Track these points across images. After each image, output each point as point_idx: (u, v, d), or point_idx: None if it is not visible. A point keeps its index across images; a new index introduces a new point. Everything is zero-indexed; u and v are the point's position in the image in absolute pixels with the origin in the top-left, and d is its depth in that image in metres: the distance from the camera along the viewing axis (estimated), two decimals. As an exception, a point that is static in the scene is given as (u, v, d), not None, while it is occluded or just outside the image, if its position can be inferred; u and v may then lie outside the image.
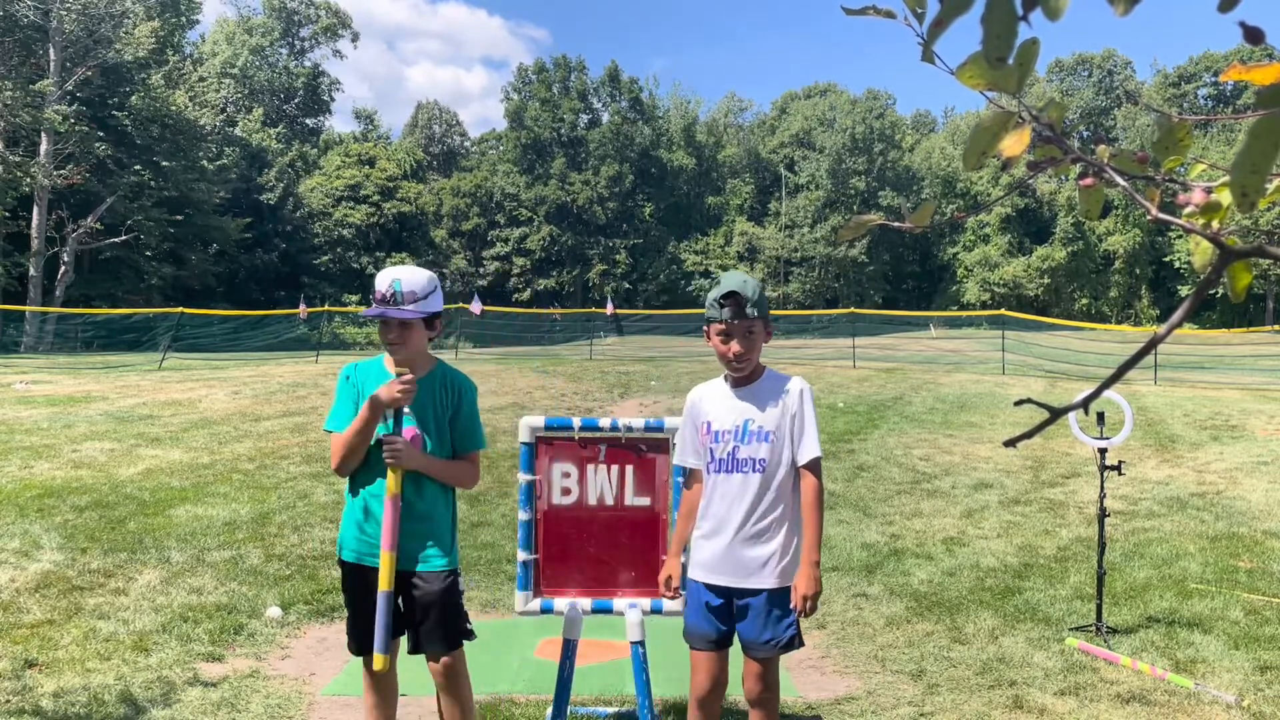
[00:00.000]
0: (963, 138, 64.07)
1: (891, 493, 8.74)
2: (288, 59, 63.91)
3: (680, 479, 3.51)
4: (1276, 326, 44.31)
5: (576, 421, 3.85)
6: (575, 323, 40.12)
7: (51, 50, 37.15)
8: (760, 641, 3.06)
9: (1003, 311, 29.26)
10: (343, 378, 3.32)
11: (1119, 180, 0.93)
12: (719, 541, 3.09)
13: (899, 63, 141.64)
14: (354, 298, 50.96)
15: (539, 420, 3.83)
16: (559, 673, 3.66)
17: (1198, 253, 0.92)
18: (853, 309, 30.03)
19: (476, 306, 29.15)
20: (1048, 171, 0.95)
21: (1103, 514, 5.08)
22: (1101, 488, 5.08)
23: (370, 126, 72.86)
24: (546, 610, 3.77)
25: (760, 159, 68.96)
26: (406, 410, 3.15)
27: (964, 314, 47.65)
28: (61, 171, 35.88)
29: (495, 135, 72.32)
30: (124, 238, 38.75)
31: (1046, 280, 62.05)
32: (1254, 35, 0.80)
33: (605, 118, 65.58)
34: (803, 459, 3.06)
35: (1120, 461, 5.11)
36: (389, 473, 3.10)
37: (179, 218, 41.71)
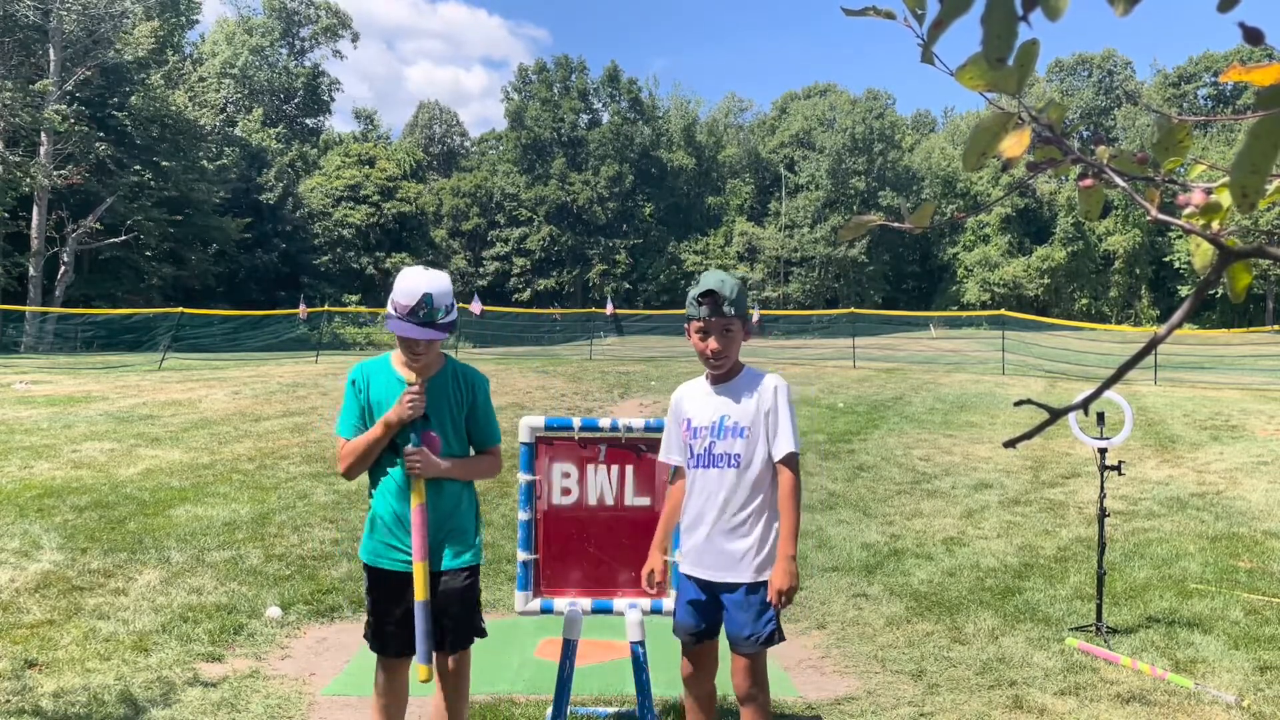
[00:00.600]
0: (963, 138, 64.11)
1: (891, 493, 8.74)
2: (288, 59, 63.91)
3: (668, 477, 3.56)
4: (1276, 326, 44.31)
5: (576, 421, 3.85)
6: (575, 323, 40.12)
7: (51, 50, 37.15)
8: (742, 636, 3.12)
9: (1003, 312, 29.26)
10: (349, 382, 3.26)
11: (1119, 181, 0.93)
12: (699, 535, 3.18)
13: (899, 63, 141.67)
14: (354, 298, 50.98)
15: (539, 420, 3.83)
16: (559, 673, 3.66)
17: (1198, 253, 0.92)
18: (853, 309, 30.03)
19: (476, 306, 29.14)
20: (1048, 172, 0.95)
21: (1103, 514, 5.08)
22: (1101, 488, 5.08)
23: (370, 126, 72.89)
24: (546, 610, 3.77)
25: (760, 159, 68.96)
26: (419, 428, 3.13)
27: (964, 314, 47.64)
28: (61, 171, 35.87)
29: (495, 135, 72.34)
30: (124, 238, 38.73)
31: (1046, 280, 62.05)
32: (1254, 35, 0.80)
33: (605, 118, 65.59)
34: (778, 454, 3.13)
35: (1120, 461, 5.11)
36: (413, 482, 3.08)
37: (179, 218, 41.70)
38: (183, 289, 43.78)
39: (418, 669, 3.10)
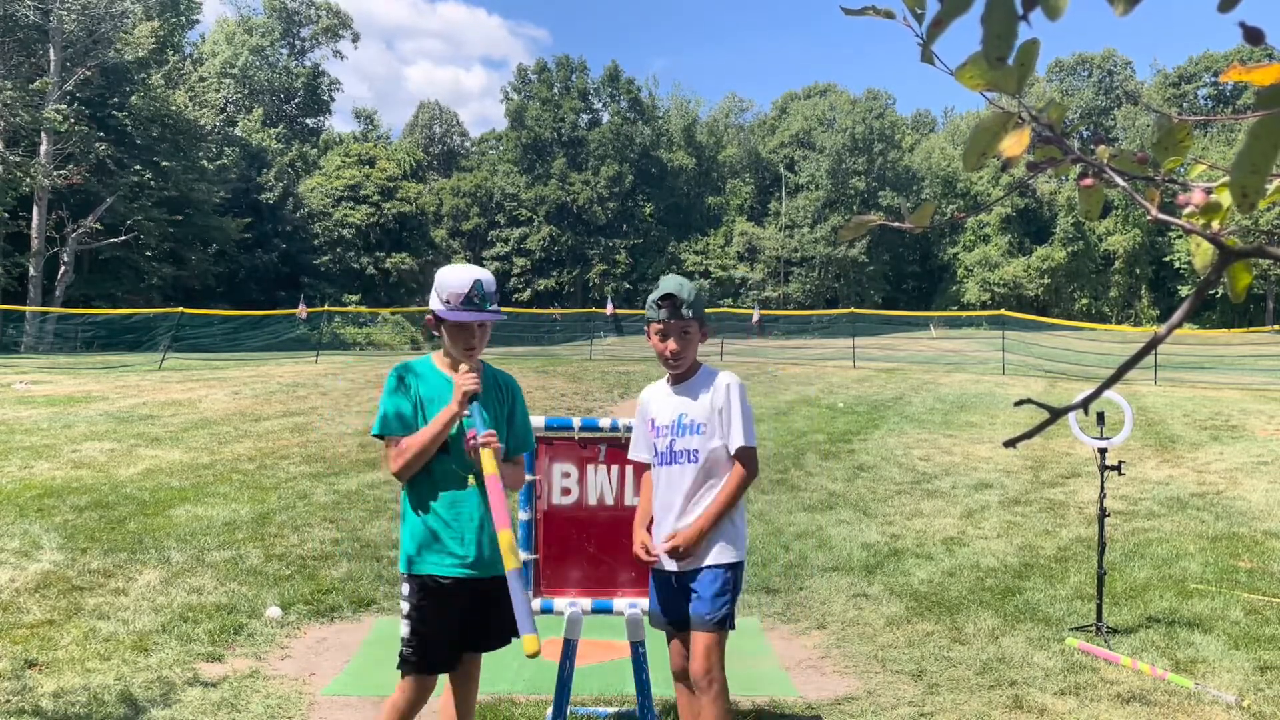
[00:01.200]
0: (963, 138, 64.08)
1: (891, 493, 8.74)
2: (288, 59, 63.90)
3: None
4: (1276, 326, 44.31)
5: (576, 421, 3.85)
6: (575, 323, 40.13)
7: (51, 50, 37.15)
8: (696, 615, 3.21)
9: (1003, 312, 29.26)
10: (394, 379, 3.14)
11: (1119, 180, 0.93)
12: (665, 529, 3.30)
13: (899, 63, 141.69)
14: (354, 298, 50.99)
15: (539, 420, 3.83)
16: (559, 673, 3.66)
17: (1198, 253, 0.92)
18: (853, 309, 30.04)
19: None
20: (1048, 172, 0.95)
21: (1103, 514, 5.08)
22: (1101, 488, 5.08)
23: (370, 126, 72.89)
24: (546, 610, 3.77)
25: (760, 159, 68.97)
26: (484, 413, 3.06)
27: (964, 314, 47.65)
28: (61, 171, 35.86)
29: (495, 135, 72.34)
30: (124, 238, 38.72)
31: (1046, 280, 62.06)
32: (1254, 35, 0.80)
33: (605, 118, 65.60)
34: (732, 449, 3.26)
35: (1120, 461, 5.11)
36: (484, 455, 2.95)
37: (179, 218, 41.68)
38: (183, 289, 43.77)
39: (525, 640, 2.85)
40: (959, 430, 12.42)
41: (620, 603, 3.76)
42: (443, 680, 3.23)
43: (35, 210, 37.04)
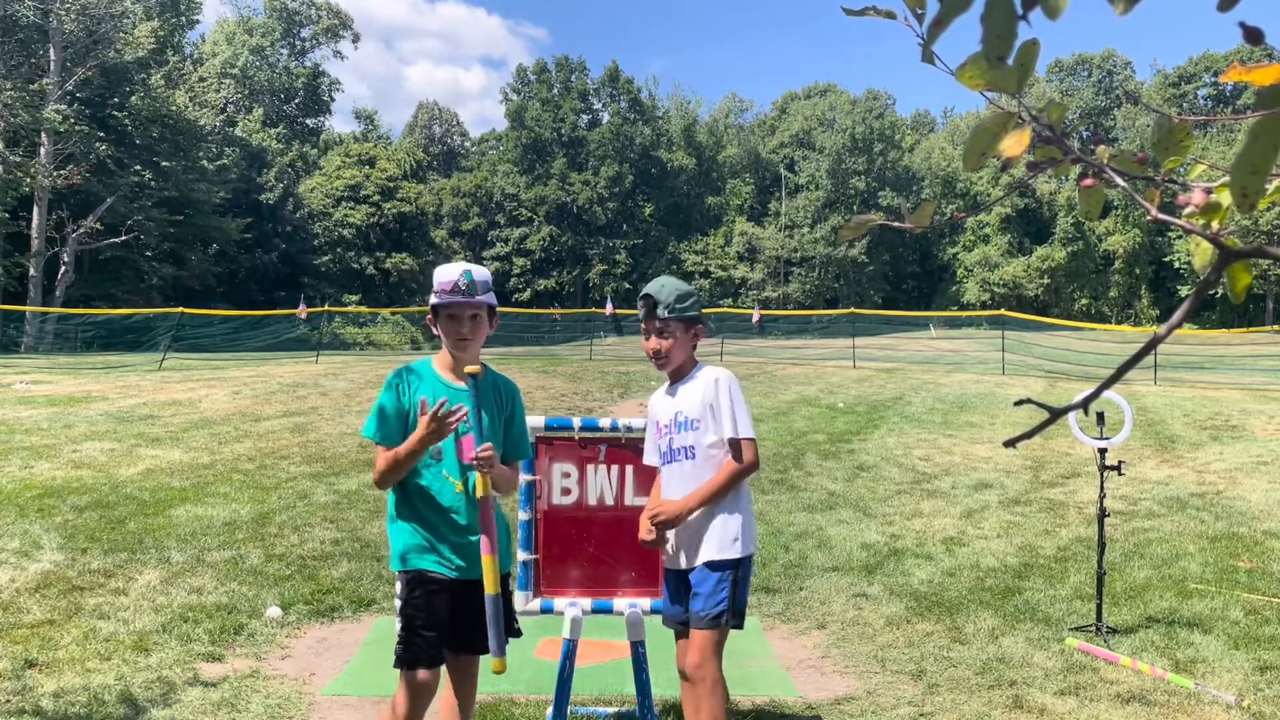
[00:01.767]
0: (962, 138, 64.13)
1: (891, 493, 8.74)
2: (288, 59, 63.91)
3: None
4: (1276, 326, 44.32)
5: (576, 421, 3.85)
6: (575, 323, 40.13)
7: (51, 50, 37.15)
8: (692, 610, 3.25)
9: (1003, 312, 29.26)
10: (389, 385, 3.13)
11: (1119, 181, 0.93)
12: (668, 535, 3.35)
13: (899, 63, 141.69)
14: (354, 298, 50.99)
15: (539, 420, 3.83)
16: (559, 673, 3.66)
17: (1198, 253, 0.92)
18: (853, 309, 30.03)
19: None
20: (1048, 172, 0.95)
21: (1103, 514, 5.08)
22: (1101, 488, 5.08)
23: (370, 126, 72.91)
24: (546, 610, 3.77)
25: (760, 159, 68.97)
26: (481, 424, 3.04)
27: (964, 314, 47.65)
28: (61, 171, 35.87)
29: (495, 135, 72.35)
30: (124, 238, 38.71)
31: (1046, 280, 62.07)
32: (1254, 35, 0.80)
33: (605, 118, 65.60)
34: (725, 439, 3.31)
35: (1120, 462, 5.11)
36: (478, 476, 2.98)
37: (179, 218, 41.68)
38: (183, 289, 43.76)
39: (494, 663, 3.00)
40: (959, 430, 12.42)
41: (620, 603, 3.76)
42: (444, 682, 3.23)
43: (35, 210, 37.04)
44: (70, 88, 37.10)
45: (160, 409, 13.20)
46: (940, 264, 67.18)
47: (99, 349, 30.53)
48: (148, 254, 41.92)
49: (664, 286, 3.34)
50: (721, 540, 3.25)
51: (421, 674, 3.09)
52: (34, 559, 6.01)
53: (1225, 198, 0.89)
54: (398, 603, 3.15)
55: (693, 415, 3.32)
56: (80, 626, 4.91)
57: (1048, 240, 62.88)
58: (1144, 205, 0.92)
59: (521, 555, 3.78)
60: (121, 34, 38.87)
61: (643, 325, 3.38)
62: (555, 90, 64.84)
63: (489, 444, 3.00)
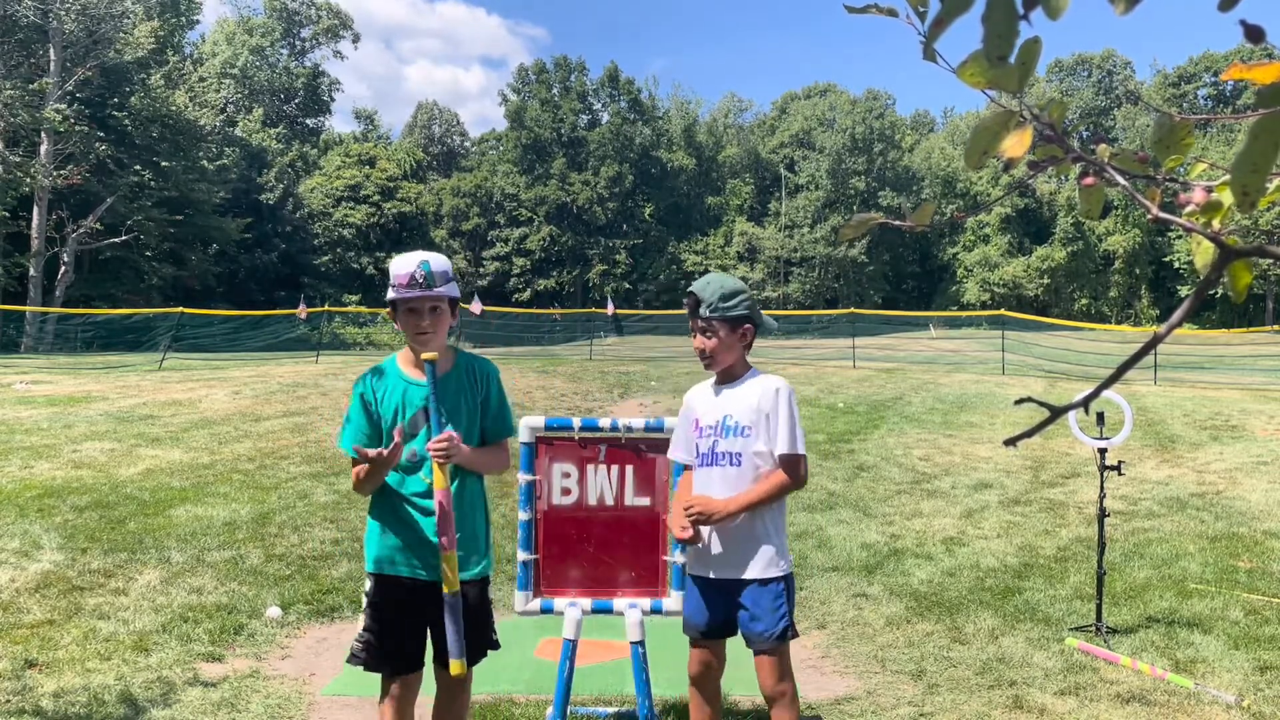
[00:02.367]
0: (962, 138, 64.16)
1: (891, 493, 8.74)
2: (288, 59, 63.92)
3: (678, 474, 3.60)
4: (1276, 326, 44.31)
5: (576, 421, 3.85)
6: (575, 323, 40.13)
7: (51, 50, 37.15)
8: (755, 633, 3.15)
9: (1003, 312, 29.25)
10: (356, 394, 3.10)
11: (1119, 180, 0.93)
12: (703, 533, 3.20)
13: (899, 63, 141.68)
14: (354, 298, 51.00)
15: (539, 420, 3.83)
16: (559, 673, 3.66)
17: (1199, 253, 0.92)
18: (853, 309, 30.02)
19: (477, 306, 29.15)
20: (1048, 171, 0.95)
21: (1102, 514, 5.08)
22: (1101, 488, 5.08)
23: (370, 126, 72.92)
24: (546, 610, 3.76)
25: (760, 159, 68.98)
26: (440, 414, 2.99)
27: (964, 314, 47.66)
28: (61, 171, 35.87)
29: (495, 135, 72.36)
30: (124, 238, 38.72)
31: (1046, 280, 62.07)
32: (1254, 34, 0.80)
33: (605, 118, 65.62)
34: (776, 454, 3.17)
35: (1120, 461, 5.11)
36: (435, 470, 2.92)
37: (179, 218, 41.69)
38: (183, 289, 43.77)
39: (451, 665, 2.96)
40: (959, 430, 12.42)
41: (620, 603, 3.76)
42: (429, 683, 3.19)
43: (35, 210, 37.04)
44: (70, 88, 37.10)
45: (160, 409, 13.20)
46: (940, 264, 67.19)
47: (99, 349, 30.53)
48: (148, 254, 41.93)
49: (709, 284, 3.19)
50: (771, 556, 3.15)
51: (399, 677, 3.08)
52: (34, 559, 6.01)
53: (1226, 197, 0.89)
54: (364, 599, 3.13)
55: (744, 421, 3.18)
56: (80, 626, 4.91)
57: (1048, 240, 62.88)
58: (1144, 204, 0.92)
59: (521, 555, 3.78)
60: (121, 34, 38.88)
61: (691, 323, 3.24)
62: (554, 90, 64.86)
63: (444, 435, 2.93)
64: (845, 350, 24.77)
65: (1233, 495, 8.50)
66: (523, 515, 3.78)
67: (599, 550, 3.79)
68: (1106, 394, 5.28)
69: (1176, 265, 59.14)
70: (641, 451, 3.81)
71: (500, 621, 5.19)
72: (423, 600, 3.05)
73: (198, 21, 51.92)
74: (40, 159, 36.50)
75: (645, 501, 3.79)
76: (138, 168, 40.29)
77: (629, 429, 3.81)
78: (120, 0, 38.96)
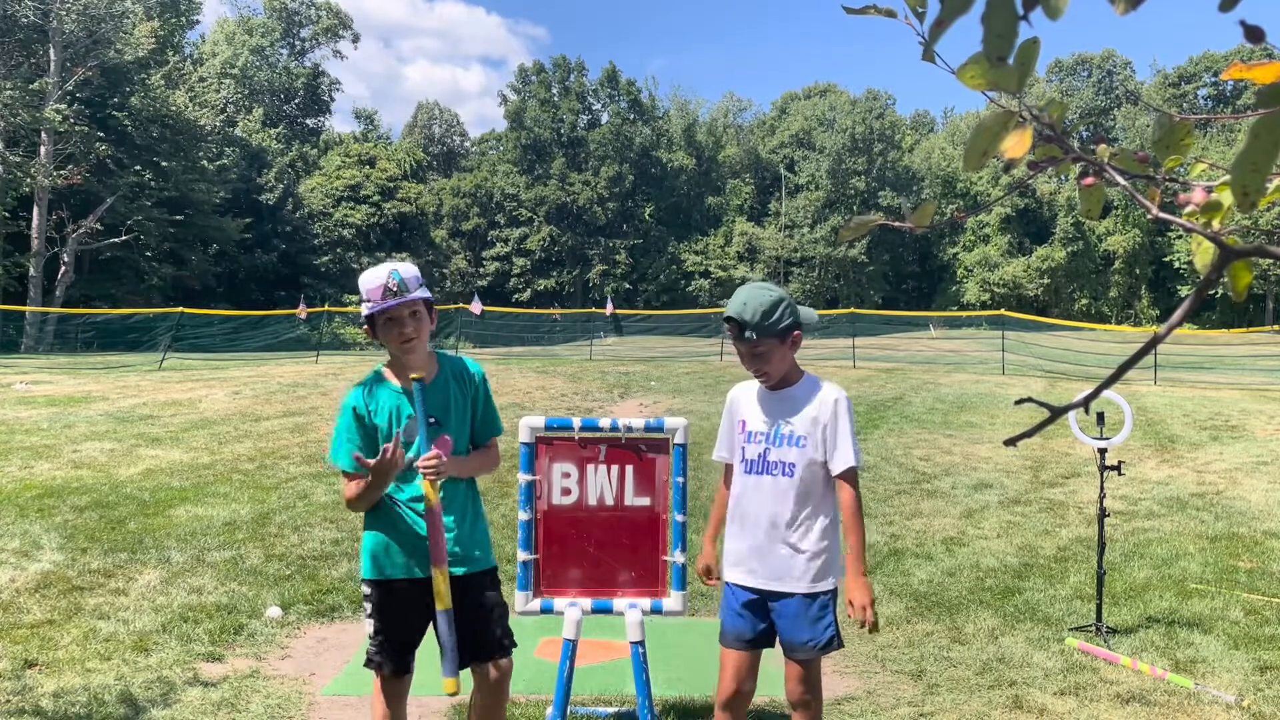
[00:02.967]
0: (962, 138, 64.15)
1: (891, 493, 8.74)
2: (288, 59, 63.93)
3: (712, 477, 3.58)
4: (1276, 326, 44.32)
5: (576, 422, 3.85)
6: (575, 323, 40.16)
7: (51, 50, 37.16)
8: (799, 643, 3.08)
9: (1003, 312, 29.27)
10: (348, 409, 3.06)
11: (1120, 180, 0.93)
12: (749, 542, 3.11)
13: (899, 63, 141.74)
14: (354, 298, 50.78)
15: (539, 420, 3.83)
16: (559, 673, 3.66)
17: (1199, 252, 0.92)
18: (853, 309, 30.03)
19: (477, 307, 29.17)
20: (1048, 171, 0.95)
21: (1102, 514, 5.08)
22: (1101, 488, 5.08)
23: (370, 126, 72.91)
24: (546, 610, 3.76)
25: (760, 159, 69.01)
26: (432, 420, 2.99)
27: (964, 314, 47.67)
28: (61, 171, 35.88)
29: (495, 135, 72.40)
30: (124, 238, 38.74)
31: (1046, 280, 62.10)
32: (1254, 34, 0.80)
33: (605, 118, 65.64)
34: (836, 468, 3.09)
35: (1120, 461, 5.11)
36: (425, 485, 2.92)
37: (179, 218, 41.71)
38: (183, 289, 43.77)
39: (444, 683, 2.93)
40: (959, 430, 12.42)
41: (620, 603, 3.76)
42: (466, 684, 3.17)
43: (35, 210, 37.06)
44: (70, 88, 37.11)
45: (160, 409, 13.20)
46: (940, 264, 67.21)
47: (99, 349, 30.54)
48: (148, 254, 41.94)
49: (746, 305, 2.98)
50: (821, 570, 3.10)
51: (387, 674, 3.09)
52: (34, 559, 6.01)
53: (1226, 197, 0.90)
54: (367, 605, 3.12)
55: (800, 432, 3.05)
56: (80, 626, 4.90)
57: (1048, 240, 62.91)
58: (1145, 204, 0.92)
59: (521, 555, 3.78)
60: (121, 34, 38.89)
61: (735, 345, 3.08)
62: (554, 91, 64.88)
63: (433, 453, 2.93)
64: (845, 350, 24.77)
65: (1233, 495, 8.50)
66: (523, 515, 3.78)
67: (599, 550, 3.79)
68: (1106, 394, 5.28)
69: (1176, 265, 59.17)
70: (641, 451, 3.81)
71: (500, 621, 5.21)
72: (428, 598, 3.04)
73: (198, 21, 52.00)
74: (40, 159, 36.51)
75: (645, 501, 3.79)
76: (138, 168, 40.31)
77: (629, 429, 3.81)
78: (120, 0, 38.97)
